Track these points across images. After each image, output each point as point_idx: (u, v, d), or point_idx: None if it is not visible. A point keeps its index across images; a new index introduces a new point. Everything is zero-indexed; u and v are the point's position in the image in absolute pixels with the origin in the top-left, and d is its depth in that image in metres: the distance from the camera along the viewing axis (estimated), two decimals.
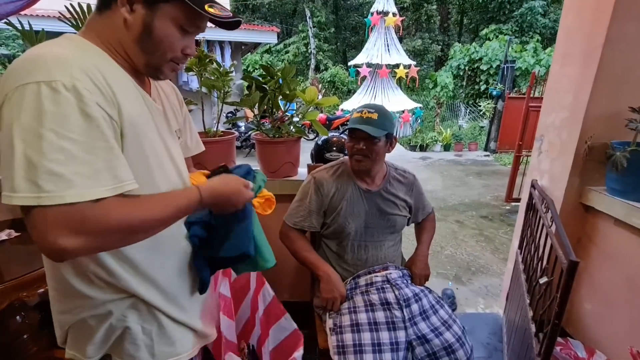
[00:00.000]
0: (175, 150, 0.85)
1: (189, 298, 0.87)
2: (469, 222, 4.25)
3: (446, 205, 4.90)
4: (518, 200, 3.49)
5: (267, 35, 7.93)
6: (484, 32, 13.78)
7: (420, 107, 10.56)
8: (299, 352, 1.26)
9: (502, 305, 2.16)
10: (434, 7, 16.97)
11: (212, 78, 1.70)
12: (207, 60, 1.65)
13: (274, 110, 1.75)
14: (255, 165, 1.78)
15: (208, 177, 0.93)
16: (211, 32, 6.34)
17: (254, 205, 1.02)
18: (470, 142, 9.52)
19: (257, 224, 0.98)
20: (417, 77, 10.32)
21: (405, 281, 1.38)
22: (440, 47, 17.08)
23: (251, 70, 14.81)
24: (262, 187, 1.04)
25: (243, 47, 8.47)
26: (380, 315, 1.24)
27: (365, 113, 1.32)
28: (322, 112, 10.43)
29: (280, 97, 1.71)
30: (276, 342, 1.46)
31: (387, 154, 1.41)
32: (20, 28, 1.62)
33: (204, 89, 1.72)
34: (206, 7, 0.69)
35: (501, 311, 2.16)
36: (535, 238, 1.55)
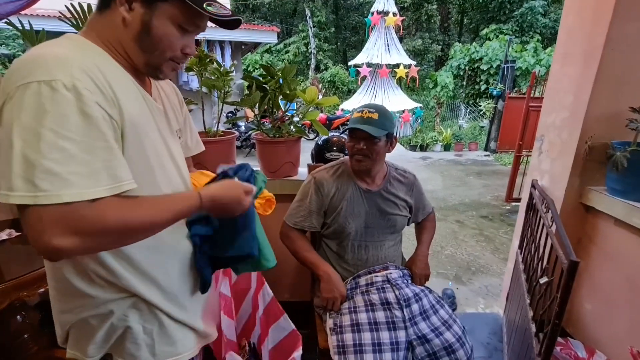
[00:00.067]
0: (176, 149, 0.85)
1: (190, 298, 0.87)
2: (469, 222, 4.25)
3: (446, 205, 4.90)
4: (518, 200, 3.49)
5: (267, 35, 7.93)
6: (484, 31, 13.77)
7: (420, 107, 10.55)
8: (298, 352, 1.26)
9: (502, 305, 2.16)
10: (434, 6, 16.96)
11: (213, 78, 1.70)
12: (208, 60, 1.65)
13: (274, 110, 1.75)
14: (255, 165, 1.78)
15: (211, 181, 0.93)
16: (211, 32, 6.34)
17: (255, 206, 1.02)
18: (470, 142, 9.51)
19: (258, 224, 0.98)
20: (417, 77, 10.32)
21: (405, 281, 1.38)
22: (440, 46, 17.08)
23: (251, 70, 14.81)
24: (262, 188, 1.04)
25: (243, 47, 8.47)
26: (380, 315, 1.24)
27: (365, 113, 1.32)
28: (322, 112, 10.43)
29: (281, 97, 1.71)
30: (275, 341, 1.46)
31: (387, 154, 1.41)
32: (20, 28, 1.62)
33: (204, 89, 1.72)
34: (205, 5, 0.68)
35: (501, 311, 2.16)
36: (535, 238, 1.55)
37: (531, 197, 1.82)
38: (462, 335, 1.25)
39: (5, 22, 1.66)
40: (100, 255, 0.70)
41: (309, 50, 16.47)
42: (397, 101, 10.03)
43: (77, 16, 1.66)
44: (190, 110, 1.09)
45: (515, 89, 9.87)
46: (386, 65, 9.89)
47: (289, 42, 17.52)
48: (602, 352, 1.45)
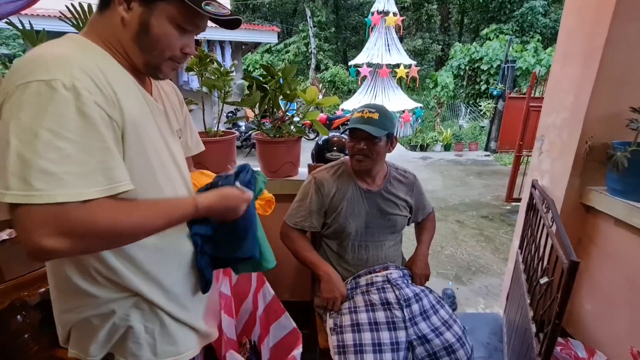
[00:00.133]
0: (176, 149, 0.85)
1: (192, 298, 0.87)
2: (470, 222, 4.25)
3: (446, 205, 4.90)
4: (518, 200, 3.49)
5: (267, 35, 7.93)
6: (484, 31, 13.76)
7: (420, 107, 10.55)
8: (298, 350, 1.26)
9: (502, 305, 2.16)
10: (435, 6, 16.95)
11: (213, 78, 1.70)
12: (208, 60, 1.65)
13: (275, 110, 1.75)
14: (255, 165, 1.78)
15: (210, 186, 0.92)
16: (211, 32, 6.35)
17: (255, 206, 1.02)
18: (470, 142, 9.51)
19: (258, 225, 0.98)
20: (417, 76, 10.31)
21: (405, 281, 1.38)
22: (440, 46, 17.07)
23: (251, 70, 14.82)
24: (262, 189, 1.04)
25: (243, 47, 8.47)
26: (380, 315, 1.24)
27: (366, 113, 1.32)
28: (322, 111, 10.43)
29: (281, 97, 1.71)
30: (276, 339, 1.47)
31: (387, 154, 1.41)
32: (21, 28, 1.62)
33: (204, 89, 1.72)
34: (203, 5, 0.68)
35: (501, 311, 2.16)
36: (535, 238, 1.55)
37: (531, 197, 1.82)
38: (462, 335, 1.25)
39: (6, 22, 1.66)
40: (102, 254, 0.70)
41: (309, 50, 16.48)
42: (397, 101, 10.03)
43: (77, 16, 1.66)
44: (190, 110, 1.10)
45: (516, 89, 9.87)
46: (386, 65, 9.88)
47: (289, 42, 17.52)
48: (602, 352, 1.45)
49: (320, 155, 1.97)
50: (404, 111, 9.85)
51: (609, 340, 1.53)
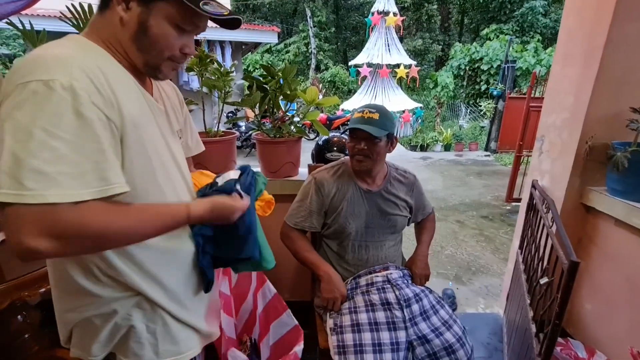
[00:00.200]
0: (177, 149, 0.86)
1: (193, 297, 0.87)
2: (470, 222, 4.25)
3: (447, 205, 4.90)
4: (519, 200, 3.49)
5: (267, 35, 7.92)
6: (484, 32, 13.76)
7: (420, 107, 10.55)
8: (299, 347, 1.26)
9: (502, 305, 2.16)
10: (435, 6, 16.95)
11: (213, 78, 1.70)
12: (208, 60, 1.65)
13: (275, 110, 1.75)
14: (256, 165, 1.78)
15: (210, 186, 0.92)
16: (211, 32, 6.34)
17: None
18: (470, 142, 9.51)
19: (258, 226, 0.98)
20: (417, 77, 10.31)
21: (405, 281, 1.38)
22: (440, 47, 17.07)
23: (252, 70, 14.82)
24: (262, 190, 1.04)
25: (243, 47, 8.47)
26: (380, 316, 1.24)
27: (366, 113, 1.32)
28: (322, 112, 10.43)
29: (281, 97, 1.71)
30: (277, 337, 1.47)
31: (387, 154, 1.41)
32: (21, 28, 1.62)
33: (204, 89, 1.72)
34: (201, 4, 0.68)
35: (501, 311, 2.16)
36: (535, 238, 1.55)
37: (531, 197, 1.82)
38: (462, 335, 1.25)
39: (6, 22, 1.66)
40: (104, 253, 0.70)
41: (310, 50, 16.48)
42: (397, 101, 10.03)
43: (77, 16, 1.66)
44: (190, 111, 1.10)
45: (516, 89, 9.87)
46: (386, 65, 9.88)
47: (290, 42, 17.52)
48: (602, 352, 1.45)
49: (320, 155, 1.97)
50: (404, 111, 9.85)
51: (609, 341, 1.53)
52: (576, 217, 1.67)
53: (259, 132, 1.81)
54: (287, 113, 1.79)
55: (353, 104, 10.18)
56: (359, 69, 10.19)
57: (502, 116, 8.38)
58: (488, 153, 8.76)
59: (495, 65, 11.22)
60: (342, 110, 10.37)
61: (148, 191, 0.73)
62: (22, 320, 1.33)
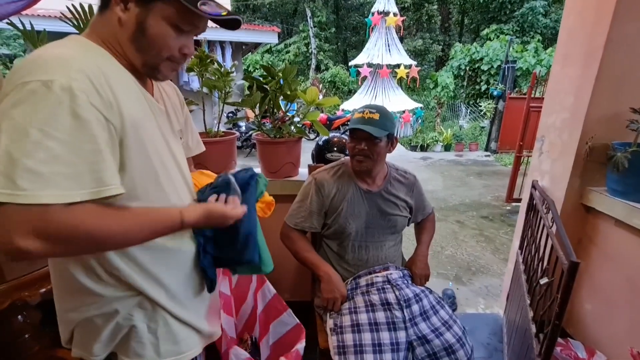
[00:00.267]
0: (177, 150, 0.86)
1: (194, 298, 0.87)
2: (470, 223, 4.25)
3: (447, 205, 4.90)
4: (519, 200, 3.49)
5: (267, 35, 7.93)
6: (484, 32, 13.75)
7: (421, 107, 10.56)
8: (301, 344, 1.26)
9: (502, 305, 2.16)
10: (435, 7, 16.94)
11: (213, 78, 1.70)
12: (208, 60, 1.65)
13: (275, 110, 1.75)
14: (256, 165, 1.78)
15: (211, 187, 0.92)
16: (212, 32, 6.34)
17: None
18: (471, 142, 9.52)
19: (258, 229, 0.98)
20: (417, 77, 10.32)
21: (405, 281, 1.38)
22: (441, 47, 17.07)
23: (252, 70, 14.82)
24: (263, 191, 1.04)
25: (244, 47, 8.47)
26: (380, 316, 1.24)
27: (366, 113, 1.32)
28: (322, 112, 10.44)
29: (281, 97, 1.71)
30: (277, 336, 1.47)
31: (387, 155, 1.41)
32: (21, 28, 1.63)
33: (205, 89, 1.73)
34: (199, 5, 0.68)
35: (501, 311, 2.16)
36: (535, 239, 1.55)
37: (531, 197, 1.82)
38: (462, 335, 1.25)
39: (7, 23, 1.67)
40: (105, 253, 0.70)
41: (310, 51, 16.48)
42: (397, 101, 10.03)
43: (78, 17, 1.66)
44: (191, 111, 1.10)
45: (516, 89, 9.87)
46: (387, 65, 9.89)
47: (290, 42, 17.52)
48: (602, 352, 1.45)
49: (320, 155, 1.98)
50: (404, 111, 9.86)
51: (609, 341, 1.53)
52: (576, 217, 1.67)
53: (259, 132, 1.81)
54: (287, 113, 1.79)
55: (353, 104, 10.19)
56: (359, 69, 10.19)
57: (502, 116, 8.39)
58: (488, 153, 8.77)
59: (495, 66, 11.23)
60: (342, 110, 10.37)
61: (148, 191, 0.73)
62: (23, 320, 1.33)
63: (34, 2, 1.66)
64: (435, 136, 9.44)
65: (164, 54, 0.72)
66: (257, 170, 1.04)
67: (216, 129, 1.78)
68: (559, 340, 1.48)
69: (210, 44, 7.05)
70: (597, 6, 1.49)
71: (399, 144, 1.72)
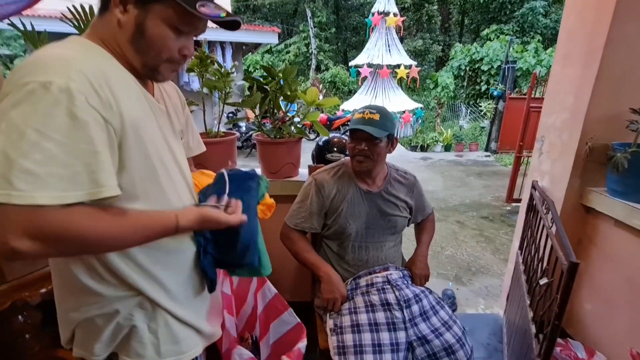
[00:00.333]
0: (178, 150, 0.86)
1: (194, 298, 0.88)
2: (470, 223, 4.25)
3: (447, 205, 4.90)
4: (519, 201, 3.49)
5: (268, 36, 7.93)
6: (485, 32, 13.76)
7: (421, 108, 10.56)
8: (302, 343, 1.26)
9: (502, 306, 2.16)
10: (435, 7, 16.94)
11: (214, 79, 1.70)
12: (209, 61, 1.66)
13: (275, 110, 1.75)
14: (256, 165, 1.78)
15: (212, 187, 0.92)
16: (212, 33, 6.34)
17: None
18: (471, 142, 9.52)
19: (258, 232, 0.98)
20: (417, 77, 10.32)
21: (405, 282, 1.38)
22: (441, 47, 17.07)
23: (252, 71, 14.82)
24: (264, 193, 1.04)
25: (244, 48, 8.48)
26: (380, 316, 1.24)
27: (367, 114, 1.32)
28: (323, 112, 10.44)
29: (282, 97, 1.71)
30: (278, 336, 1.47)
31: (388, 155, 1.41)
32: (22, 28, 1.63)
33: (205, 90, 1.73)
34: (198, 6, 0.68)
35: (501, 312, 2.16)
36: (535, 239, 1.55)
37: (531, 198, 1.82)
38: (462, 336, 1.26)
39: (7, 23, 1.67)
40: (105, 253, 0.70)
41: (310, 51, 16.48)
42: (397, 102, 10.04)
43: (78, 17, 1.67)
44: (191, 111, 1.10)
45: (516, 89, 9.87)
46: (387, 65, 9.89)
47: (290, 42, 17.52)
48: (602, 353, 1.45)
49: (320, 156, 1.98)
50: (404, 112, 9.86)
51: (608, 341, 1.53)
52: (576, 217, 1.67)
53: (259, 132, 1.81)
54: (288, 114, 1.79)
55: (353, 104, 10.19)
56: (360, 69, 10.20)
57: (502, 117, 8.39)
58: (488, 153, 8.77)
59: (495, 66, 11.23)
60: (343, 110, 10.37)
61: (148, 191, 0.73)
62: (23, 320, 1.33)
63: (34, 2, 1.66)
64: (436, 136, 9.44)
65: (163, 56, 0.72)
66: (258, 171, 1.04)
67: (216, 130, 1.79)
68: (559, 340, 1.48)
69: (211, 44, 7.05)
70: (597, 6, 1.49)
71: (399, 144, 1.72)
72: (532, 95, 4.73)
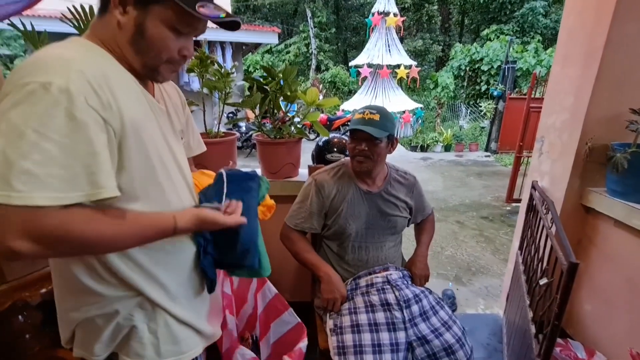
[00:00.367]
0: (178, 150, 0.86)
1: (194, 299, 0.88)
2: (470, 223, 4.25)
3: (447, 205, 4.90)
4: (519, 201, 3.49)
5: (268, 36, 7.94)
6: (485, 32, 13.75)
7: (421, 108, 10.56)
8: (303, 343, 1.26)
9: (502, 306, 2.16)
10: (435, 7, 16.94)
11: (214, 79, 1.70)
12: (209, 61, 1.66)
13: (275, 111, 1.75)
14: (256, 166, 1.78)
15: (213, 187, 0.91)
16: (212, 33, 6.35)
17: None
18: (471, 142, 9.52)
19: (259, 234, 0.98)
20: (418, 77, 10.32)
21: (405, 282, 1.38)
22: (441, 47, 17.06)
23: (252, 71, 14.82)
24: (265, 195, 1.04)
25: (244, 48, 8.48)
26: (380, 316, 1.24)
27: (367, 114, 1.32)
28: (323, 112, 10.44)
29: (282, 98, 1.71)
30: (278, 335, 1.47)
31: (388, 155, 1.41)
32: (22, 29, 1.63)
33: (205, 90, 1.73)
34: (197, 7, 0.68)
35: (501, 312, 2.16)
36: (535, 239, 1.55)
37: (531, 198, 1.82)
38: (461, 336, 1.26)
39: (7, 23, 1.67)
40: (105, 255, 0.70)
41: (310, 51, 16.48)
42: (397, 102, 10.04)
43: (78, 17, 1.67)
44: (191, 111, 1.10)
45: (516, 89, 9.87)
46: (387, 65, 9.89)
47: (290, 42, 17.53)
48: (601, 353, 1.45)
49: (320, 156, 1.98)
50: (404, 112, 9.86)
51: (608, 341, 1.53)
52: (576, 218, 1.67)
53: (259, 133, 1.81)
54: (288, 114, 1.79)
55: (353, 104, 10.19)
56: (360, 69, 10.20)
57: (502, 117, 8.39)
58: (488, 154, 8.77)
59: (495, 66, 11.23)
60: (343, 110, 10.37)
61: (148, 191, 0.73)
62: (23, 320, 1.33)
63: (34, 2, 1.66)
64: (436, 136, 9.44)
65: (163, 56, 0.72)
66: (258, 171, 1.04)
67: (216, 130, 1.79)
68: (559, 340, 1.48)
69: (211, 44, 7.06)
70: (597, 6, 1.50)
71: (399, 145, 1.72)
72: (532, 96, 4.73)
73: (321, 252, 1.50)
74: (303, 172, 1.86)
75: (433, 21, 17.31)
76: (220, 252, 0.88)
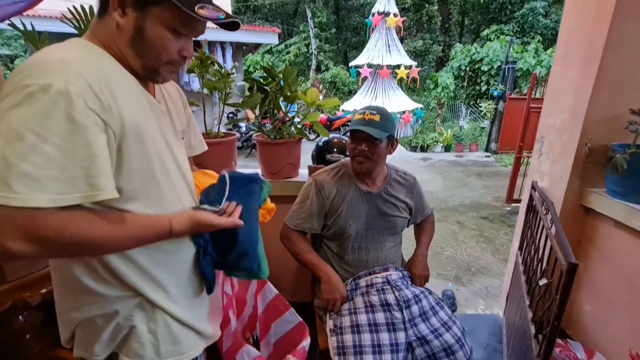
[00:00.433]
0: (178, 151, 0.86)
1: (194, 299, 0.88)
2: (470, 223, 4.25)
3: (447, 206, 4.90)
4: (518, 201, 3.49)
5: (268, 36, 7.95)
6: (485, 32, 13.76)
7: (421, 108, 10.56)
8: (306, 342, 1.26)
9: (502, 306, 2.16)
10: (435, 7, 16.94)
11: (214, 79, 1.70)
12: (209, 61, 1.66)
13: (275, 111, 1.76)
14: (256, 166, 1.78)
15: (215, 188, 0.92)
16: (212, 33, 6.36)
17: None
18: (471, 142, 9.52)
19: (258, 236, 0.98)
20: (418, 77, 10.32)
21: (405, 282, 1.38)
22: (441, 47, 17.07)
23: (252, 71, 14.82)
24: (266, 198, 1.04)
25: (244, 48, 8.49)
26: (380, 317, 1.24)
27: (367, 115, 1.32)
28: (323, 112, 10.44)
29: (282, 98, 1.71)
30: (279, 335, 1.47)
31: (388, 156, 1.41)
32: (22, 29, 1.63)
33: (205, 90, 1.73)
34: (196, 8, 0.68)
35: (501, 312, 2.16)
36: (535, 240, 1.55)
37: (531, 198, 1.82)
38: (461, 336, 1.26)
39: (8, 24, 1.67)
40: (105, 256, 0.70)
41: (310, 51, 16.48)
42: (397, 102, 10.04)
43: (79, 18, 1.67)
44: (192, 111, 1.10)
45: (516, 90, 9.87)
46: (387, 66, 9.90)
47: (290, 42, 17.53)
48: (601, 353, 1.45)
49: (320, 156, 1.98)
50: (404, 112, 9.86)
51: (608, 342, 1.53)
52: (575, 218, 1.67)
53: (259, 133, 1.82)
54: (288, 114, 1.79)
55: (353, 104, 10.19)
56: (360, 69, 10.20)
57: (502, 117, 8.39)
58: (488, 154, 8.77)
59: (495, 66, 11.23)
60: (343, 110, 10.37)
61: (148, 192, 0.74)
62: (24, 320, 1.33)
63: (35, 2, 1.66)
64: (436, 137, 9.44)
65: (163, 58, 0.72)
66: (259, 172, 1.04)
67: (216, 130, 1.79)
68: (558, 341, 1.48)
69: (211, 44, 7.06)
70: (597, 6, 1.50)
71: (399, 145, 1.72)
72: (532, 96, 4.73)
73: (321, 252, 1.50)
74: (303, 172, 1.86)
75: (433, 21, 17.31)
76: (219, 254, 0.88)
